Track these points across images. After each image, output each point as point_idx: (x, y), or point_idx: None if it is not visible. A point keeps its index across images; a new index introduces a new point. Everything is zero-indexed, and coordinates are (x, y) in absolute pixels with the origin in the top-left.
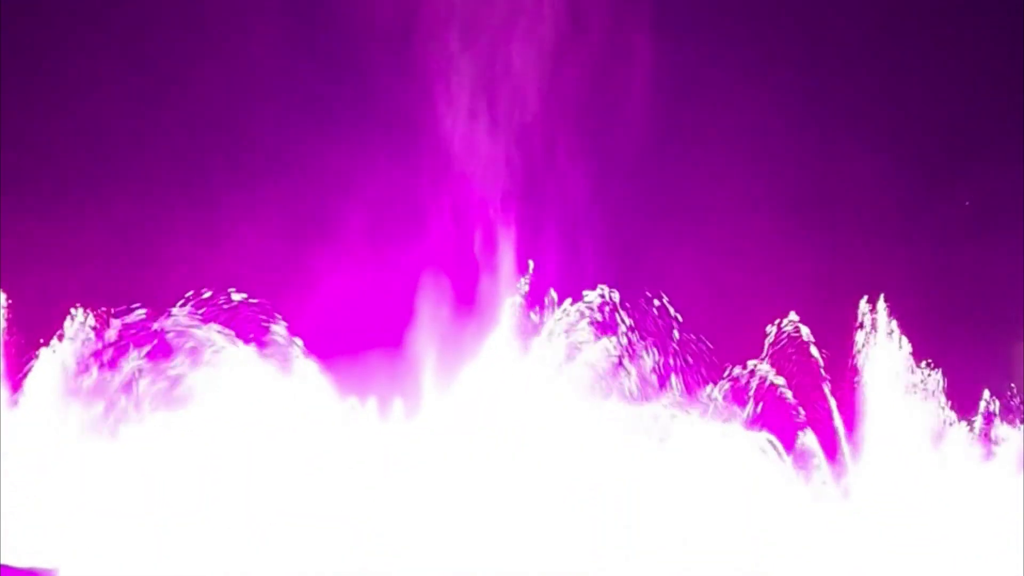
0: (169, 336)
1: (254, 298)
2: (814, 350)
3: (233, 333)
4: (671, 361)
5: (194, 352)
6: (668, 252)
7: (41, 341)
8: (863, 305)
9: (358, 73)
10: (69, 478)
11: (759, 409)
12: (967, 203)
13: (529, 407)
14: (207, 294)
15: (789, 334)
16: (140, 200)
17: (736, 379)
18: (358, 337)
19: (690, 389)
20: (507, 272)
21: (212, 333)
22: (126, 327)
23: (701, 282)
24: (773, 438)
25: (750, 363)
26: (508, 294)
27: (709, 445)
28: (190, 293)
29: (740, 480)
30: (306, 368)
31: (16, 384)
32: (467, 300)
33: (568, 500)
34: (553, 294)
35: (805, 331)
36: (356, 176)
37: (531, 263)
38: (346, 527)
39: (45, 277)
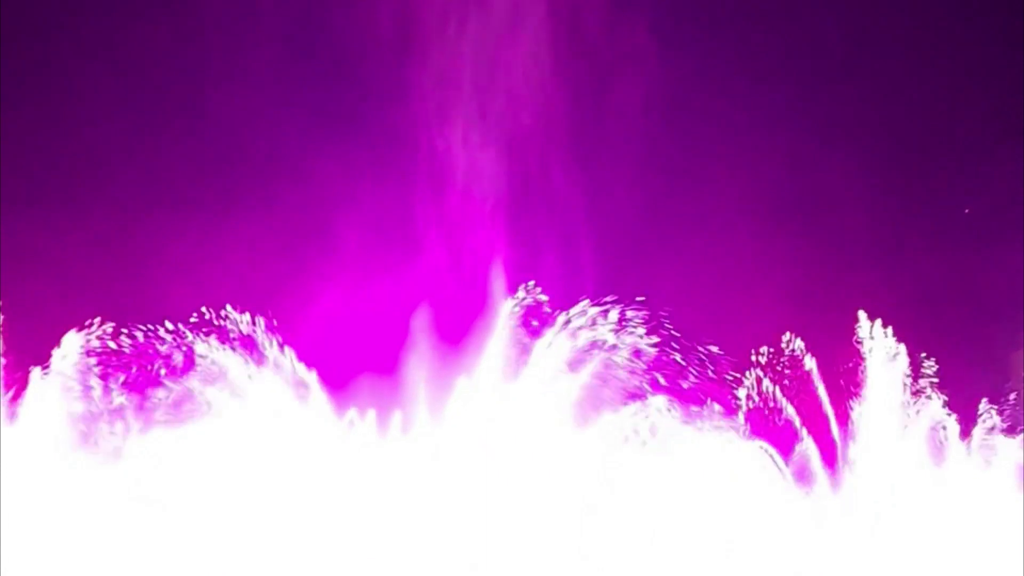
0: (168, 352)
1: (253, 313)
2: (811, 360)
3: (232, 349)
4: (669, 372)
5: (193, 368)
6: (665, 264)
7: (39, 357)
8: (861, 315)
9: (355, 89)
10: (69, 496)
11: (757, 420)
12: (967, 211)
13: (525, 419)
14: (206, 311)
15: (786, 344)
16: (137, 217)
17: (734, 390)
18: (355, 352)
19: (688, 400)
20: (503, 285)
21: (211, 349)
22: (124, 342)
23: (699, 293)
24: (771, 448)
25: (748, 374)
26: (504, 306)
27: (708, 456)
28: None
29: (738, 490)
30: (305, 383)
31: (14, 400)
32: (463, 314)
33: (566, 509)
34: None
35: (802, 342)
36: (354, 191)
37: (533, 284)
38: (344, 540)
39: (43, 293)
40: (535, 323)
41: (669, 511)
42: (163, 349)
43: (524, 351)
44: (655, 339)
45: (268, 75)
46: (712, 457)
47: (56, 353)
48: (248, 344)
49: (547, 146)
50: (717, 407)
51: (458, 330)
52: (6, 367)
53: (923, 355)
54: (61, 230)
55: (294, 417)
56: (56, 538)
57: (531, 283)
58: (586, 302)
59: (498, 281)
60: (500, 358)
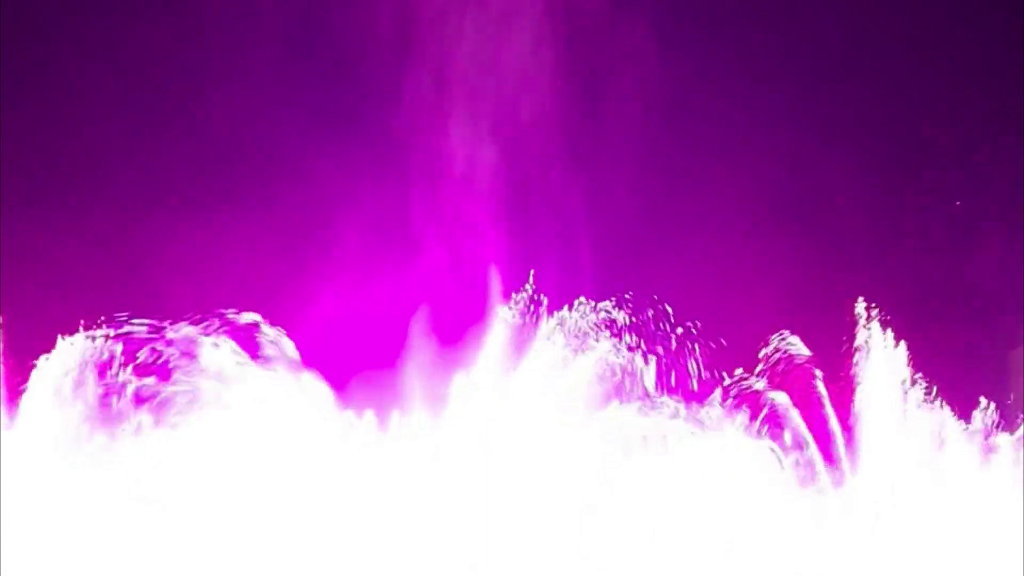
0: (167, 351)
1: (252, 312)
2: (811, 358)
3: (232, 348)
4: (668, 369)
5: (192, 366)
6: (665, 263)
7: (39, 357)
8: (860, 312)
9: (355, 89)
10: (68, 496)
11: (758, 417)
12: (958, 203)
13: (524, 419)
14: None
15: (786, 342)
16: (137, 217)
17: (734, 387)
18: (354, 352)
19: (688, 398)
20: (503, 285)
21: (210, 347)
22: (123, 342)
23: (699, 292)
24: (772, 446)
25: (748, 371)
26: (503, 304)
27: (708, 455)
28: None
29: (739, 490)
30: (304, 381)
31: (13, 401)
32: (462, 313)
33: (566, 509)
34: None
35: (801, 339)
36: (354, 191)
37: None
38: (343, 540)
39: (43, 293)
40: (534, 322)
41: (669, 511)
42: (163, 347)
43: (523, 350)
44: (658, 336)
45: (268, 75)
46: (712, 456)
47: (56, 352)
48: (249, 342)
49: (547, 146)
50: (717, 405)
51: (457, 330)
52: (6, 367)
53: (923, 362)
54: (61, 230)
55: (294, 416)
56: (56, 538)
57: (530, 282)
58: (585, 300)
59: (497, 281)
60: (499, 357)
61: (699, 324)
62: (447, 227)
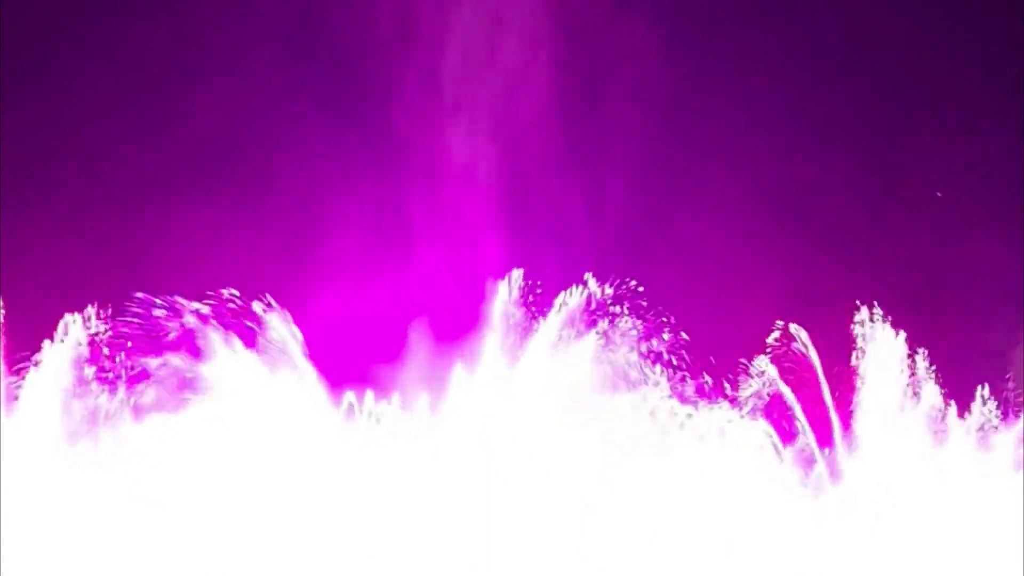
0: (166, 339)
1: (252, 300)
2: (811, 351)
3: (231, 336)
4: (667, 367)
5: (191, 355)
6: (665, 263)
7: (38, 354)
8: (860, 310)
9: (355, 89)
10: (67, 483)
11: (756, 409)
12: (939, 194)
13: (524, 416)
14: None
15: (785, 335)
16: (136, 217)
17: (734, 385)
18: (353, 351)
19: (687, 395)
20: (502, 283)
21: (209, 336)
22: (122, 338)
23: (699, 291)
24: (771, 443)
25: (748, 369)
26: (502, 304)
27: (708, 453)
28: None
29: (738, 490)
30: (302, 372)
31: (12, 390)
32: (462, 312)
33: (566, 509)
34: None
35: (802, 332)
36: (354, 190)
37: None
38: (341, 538)
39: (41, 280)
40: (533, 320)
41: (669, 510)
42: (162, 333)
43: (522, 347)
44: (658, 330)
45: (268, 75)
46: (712, 456)
47: (55, 348)
48: (250, 338)
49: (547, 146)
50: (717, 403)
51: (457, 328)
52: (6, 364)
53: (922, 350)
54: (61, 228)
55: (294, 414)
56: (55, 535)
57: (530, 281)
58: (584, 296)
59: (497, 280)
60: (498, 356)
61: (698, 323)
62: (447, 226)
